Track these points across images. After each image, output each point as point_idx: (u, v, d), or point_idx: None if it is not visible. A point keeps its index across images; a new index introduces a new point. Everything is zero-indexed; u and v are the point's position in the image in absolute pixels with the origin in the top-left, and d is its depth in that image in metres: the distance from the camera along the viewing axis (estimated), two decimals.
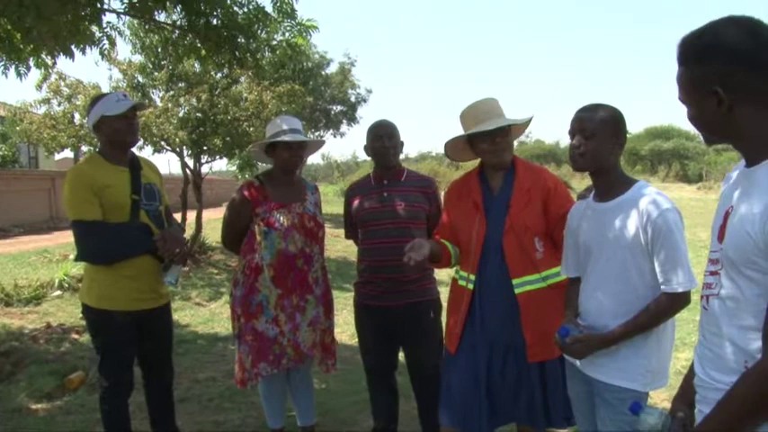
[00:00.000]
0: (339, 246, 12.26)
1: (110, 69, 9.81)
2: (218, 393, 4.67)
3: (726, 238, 1.50)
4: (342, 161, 50.95)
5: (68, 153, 16.54)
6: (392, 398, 3.71)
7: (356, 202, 3.52)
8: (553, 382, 2.75)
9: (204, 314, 7.51)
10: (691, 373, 1.71)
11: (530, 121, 2.96)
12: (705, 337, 1.61)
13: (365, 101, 24.70)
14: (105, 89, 9.77)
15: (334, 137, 25.43)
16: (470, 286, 2.83)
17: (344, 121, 24.59)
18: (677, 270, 2.13)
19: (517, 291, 2.74)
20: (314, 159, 52.42)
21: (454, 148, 3.02)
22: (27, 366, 5.11)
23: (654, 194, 2.23)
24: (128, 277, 3.00)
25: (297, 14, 5.64)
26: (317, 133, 23.68)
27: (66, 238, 12.80)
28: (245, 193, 3.40)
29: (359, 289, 3.59)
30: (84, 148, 10.47)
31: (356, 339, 3.83)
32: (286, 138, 3.32)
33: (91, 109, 3.12)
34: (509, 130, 2.83)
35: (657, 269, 2.18)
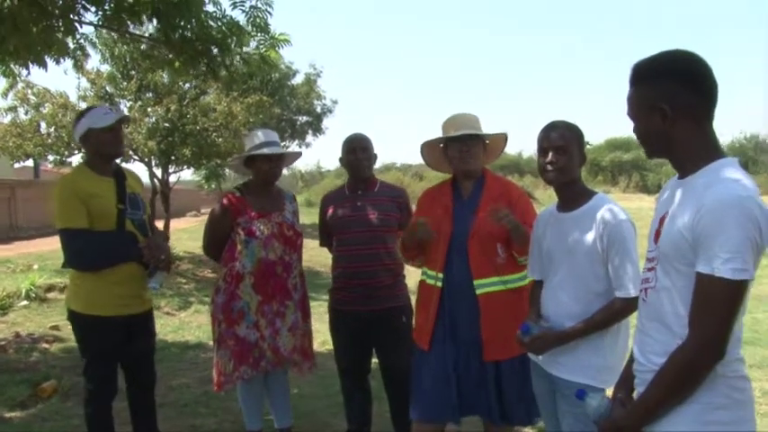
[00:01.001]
0: (305, 255, 12.36)
1: (78, 78, 9.82)
2: (192, 399, 4.76)
3: (661, 239, 1.73)
4: (306, 171, 50.84)
5: (29, 162, 16.32)
6: (366, 400, 3.85)
7: (330, 211, 3.68)
8: (509, 382, 2.90)
9: (174, 323, 7.55)
10: (631, 361, 1.91)
11: (503, 141, 3.17)
12: (644, 325, 1.82)
13: (331, 111, 24.86)
14: (73, 98, 9.78)
15: (300, 147, 25.53)
16: (439, 284, 3.00)
17: (310, 131, 24.70)
18: (629, 276, 2.32)
19: (478, 291, 2.91)
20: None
21: (430, 152, 3.20)
22: None
23: (611, 206, 2.43)
24: (114, 283, 3.09)
25: (270, 28, 5.80)
26: (283, 144, 23.70)
27: (28, 248, 12.65)
28: (226, 203, 3.53)
29: (333, 295, 3.74)
30: (51, 157, 10.41)
31: (327, 346, 3.96)
32: (266, 150, 3.47)
33: (78, 121, 3.22)
34: (479, 143, 3.02)
35: (611, 274, 2.37)
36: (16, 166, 17.53)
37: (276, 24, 5.94)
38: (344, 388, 3.86)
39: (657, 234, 1.78)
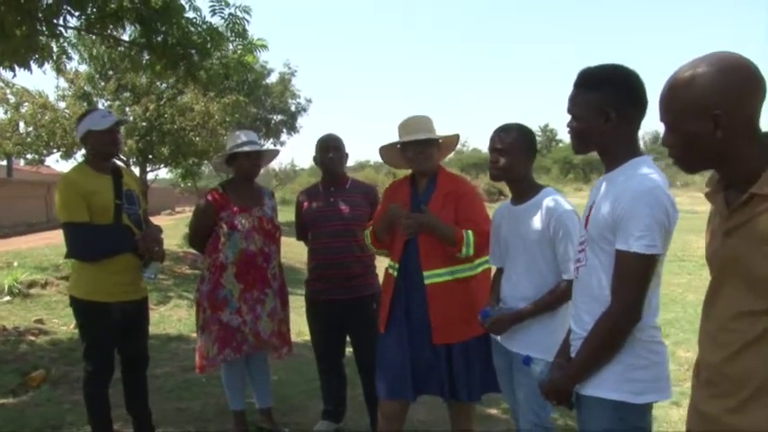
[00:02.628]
0: (282, 251, 12.60)
1: (56, 78, 9.97)
2: (176, 385, 5.04)
3: (589, 224, 2.09)
4: (280, 169, 50.94)
5: (3, 162, 16.33)
6: (340, 382, 4.17)
7: (306, 206, 3.99)
8: (459, 363, 3.16)
9: (155, 317, 7.74)
10: (569, 331, 2.25)
11: (456, 138, 3.48)
12: (577, 298, 2.17)
13: (305, 110, 25.07)
14: (51, 97, 9.93)
15: (275, 145, 25.67)
16: (395, 273, 3.28)
17: (284, 130, 24.88)
18: (573, 260, 2.63)
19: (426, 281, 3.16)
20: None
21: (389, 154, 3.50)
22: None
23: (555, 197, 2.76)
24: (112, 272, 3.37)
25: (248, 34, 6.09)
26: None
27: (4, 246, 12.70)
28: (210, 198, 3.82)
29: (309, 285, 4.05)
30: (29, 156, 10.55)
31: (304, 336, 4.25)
32: (246, 148, 3.77)
33: (79, 123, 3.51)
34: (433, 144, 3.28)
35: (558, 259, 2.69)
36: None
37: (252, 23, 6.19)
38: (321, 372, 4.17)
39: (587, 220, 2.13)
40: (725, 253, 1.51)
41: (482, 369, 3.15)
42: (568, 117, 2.19)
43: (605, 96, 2.05)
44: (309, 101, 25.15)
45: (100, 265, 3.36)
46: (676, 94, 1.51)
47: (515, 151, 2.76)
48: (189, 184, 15.41)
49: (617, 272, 1.97)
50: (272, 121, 24.33)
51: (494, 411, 4.44)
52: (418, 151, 3.25)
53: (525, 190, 2.83)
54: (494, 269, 3.11)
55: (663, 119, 1.58)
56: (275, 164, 51.17)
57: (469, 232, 3.10)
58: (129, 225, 3.46)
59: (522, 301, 2.74)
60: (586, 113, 2.10)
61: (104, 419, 3.52)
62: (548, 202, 2.71)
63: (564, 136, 41.79)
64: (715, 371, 1.54)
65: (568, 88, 2.18)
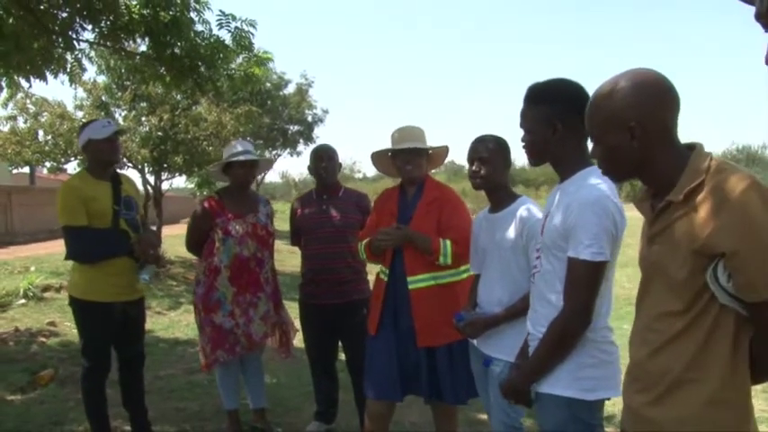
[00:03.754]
0: (291, 259, 12.75)
1: (75, 89, 10.23)
2: (178, 386, 5.19)
3: (544, 233, 2.19)
4: (299, 180, 51.30)
5: (25, 169, 16.69)
6: (332, 385, 4.29)
7: (299, 213, 4.14)
8: (442, 365, 3.28)
9: (165, 322, 7.98)
10: (527, 335, 2.36)
11: (445, 150, 3.60)
12: (533, 302, 2.28)
13: (322, 121, 25.31)
14: (70, 107, 10.23)
15: (291, 156, 25.98)
16: (385, 278, 3.42)
17: (301, 140, 25.12)
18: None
19: (410, 287, 3.29)
20: (272, 178, 52.59)
21: (380, 161, 3.65)
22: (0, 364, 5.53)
23: (529, 206, 2.85)
24: (109, 274, 3.54)
25: (254, 47, 6.27)
26: (273, 152, 24.15)
27: (24, 252, 13.03)
28: (206, 205, 3.98)
29: (302, 289, 4.19)
30: (48, 164, 10.85)
31: (301, 342, 4.38)
32: (241, 158, 3.93)
33: (81, 132, 3.70)
34: (422, 154, 3.42)
35: (531, 266, 2.81)
36: (14, 172, 17.96)
37: (268, 35, 6.40)
38: (314, 374, 4.31)
39: (543, 229, 2.24)
40: (650, 258, 1.62)
41: (467, 372, 3.23)
42: (521, 132, 2.31)
43: (552, 109, 2.17)
44: (326, 111, 25.42)
45: (98, 266, 3.52)
46: (597, 108, 1.64)
47: (494, 161, 2.86)
48: (206, 193, 15.65)
49: (568, 278, 2.07)
50: (289, 132, 24.59)
51: (483, 416, 4.52)
52: (407, 160, 3.39)
53: (502, 198, 2.92)
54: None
55: (588, 132, 1.69)
56: (295, 174, 51.48)
57: (447, 242, 3.22)
58: (127, 229, 3.63)
59: (496, 306, 2.82)
60: (536, 126, 2.22)
61: (101, 414, 3.68)
62: (522, 211, 2.80)
63: None
64: (639, 367, 1.65)
65: None
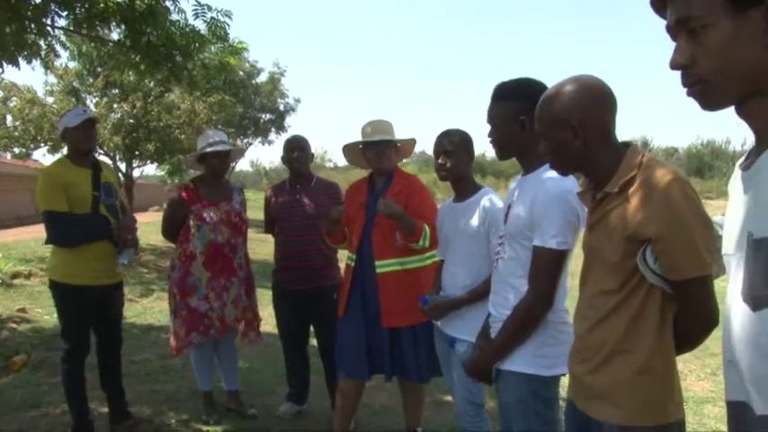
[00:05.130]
0: (266, 248, 12.85)
1: (45, 74, 10.19)
2: (153, 369, 5.30)
3: (508, 222, 2.37)
4: (270, 168, 51.02)
5: None
6: (303, 367, 4.46)
7: (273, 201, 4.29)
8: (406, 346, 3.48)
9: (137, 309, 8.04)
10: (488, 316, 2.54)
11: (413, 143, 3.77)
12: (496, 286, 2.46)
13: (294, 110, 25.28)
14: (40, 92, 10.16)
15: (263, 144, 25.88)
16: (353, 264, 3.61)
17: (273, 129, 25.07)
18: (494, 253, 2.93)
19: (378, 270, 3.49)
20: (243, 166, 52.19)
21: (351, 153, 3.82)
22: None
23: (491, 196, 3.03)
24: (88, 258, 3.65)
25: (229, 37, 6.35)
26: (245, 141, 24.09)
27: None
28: (182, 193, 4.10)
29: (275, 275, 4.34)
30: (16, 150, 10.77)
31: (275, 328, 4.53)
32: (218, 148, 4.05)
33: (60, 121, 3.80)
34: (390, 147, 3.60)
35: (492, 252, 2.99)
36: None
37: (241, 23, 6.50)
38: (286, 357, 4.46)
39: (506, 218, 2.42)
40: (590, 243, 1.81)
41: (430, 353, 3.42)
42: (488, 128, 2.47)
43: (519, 106, 2.33)
44: (298, 100, 25.38)
45: (77, 251, 3.64)
46: (545, 108, 1.82)
47: (459, 154, 3.02)
48: (176, 181, 15.64)
49: (534, 264, 2.25)
50: (261, 120, 24.54)
51: (447, 397, 4.72)
52: (377, 152, 3.56)
53: (466, 189, 3.09)
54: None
55: (538, 129, 1.87)
56: (265, 162, 51.19)
57: (426, 226, 3.40)
58: (106, 215, 3.74)
59: (459, 290, 2.99)
60: (503, 122, 2.39)
61: (80, 396, 3.79)
62: (484, 201, 2.97)
63: None
64: (580, 340, 1.84)
65: None
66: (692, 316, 1.65)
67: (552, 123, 1.80)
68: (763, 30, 1.08)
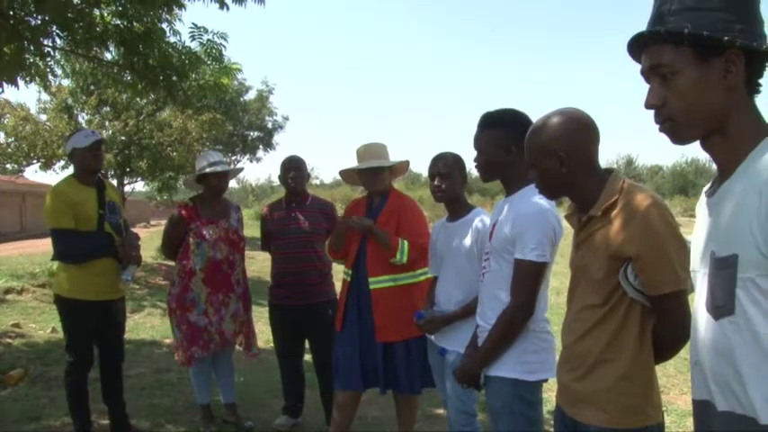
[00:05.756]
0: (258, 265, 12.94)
1: (39, 92, 10.29)
2: (149, 384, 5.39)
3: (493, 238, 2.55)
4: (257, 185, 51.13)
5: None
6: (299, 381, 4.57)
7: (269, 219, 4.44)
8: (399, 359, 3.61)
9: (129, 324, 7.98)
10: (476, 327, 2.70)
11: (406, 164, 3.93)
12: (482, 298, 2.63)
13: (282, 128, 25.47)
14: (33, 110, 10.26)
15: (251, 162, 26.04)
16: (349, 279, 3.75)
17: (261, 146, 25.23)
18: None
19: (371, 287, 3.63)
20: (230, 183, 52.19)
21: (348, 175, 4.00)
22: None
23: (483, 217, 3.19)
24: (93, 274, 3.78)
25: (224, 58, 6.54)
26: (233, 158, 24.22)
27: None
28: (182, 212, 4.24)
29: (272, 291, 4.47)
30: (9, 166, 10.84)
31: (271, 343, 4.65)
32: (218, 168, 4.21)
33: (66, 142, 3.95)
34: (384, 170, 3.74)
35: (480, 267, 3.14)
36: None
37: (232, 42, 6.68)
38: (282, 371, 4.57)
39: (491, 235, 2.60)
40: (577, 262, 1.98)
41: (422, 366, 3.57)
42: (474, 153, 2.67)
43: (507, 133, 2.53)
44: (286, 118, 25.62)
45: (83, 267, 3.77)
46: (533, 139, 2.00)
47: (453, 176, 3.19)
48: (165, 198, 15.72)
49: (515, 276, 2.44)
50: (249, 138, 24.69)
51: (440, 411, 4.85)
52: (370, 177, 3.74)
53: (459, 209, 3.26)
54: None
55: (527, 158, 2.05)
56: (252, 179, 51.23)
57: (405, 242, 3.56)
58: (111, 232, 3.87)
59: (453, 305, 3.14)
60: (492, 148, 2.59)
61: (83, 406, 3.90)
62: (477, 222, 3.13)
63: None
64: (568, 351, 2.00)
65: None
66: (669, 328, 1.82)
67: (540, 153, 1.97)
68: (723, 77, 1.27)
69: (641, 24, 1.43)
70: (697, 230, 1.41)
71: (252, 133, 24.66)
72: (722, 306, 1.24)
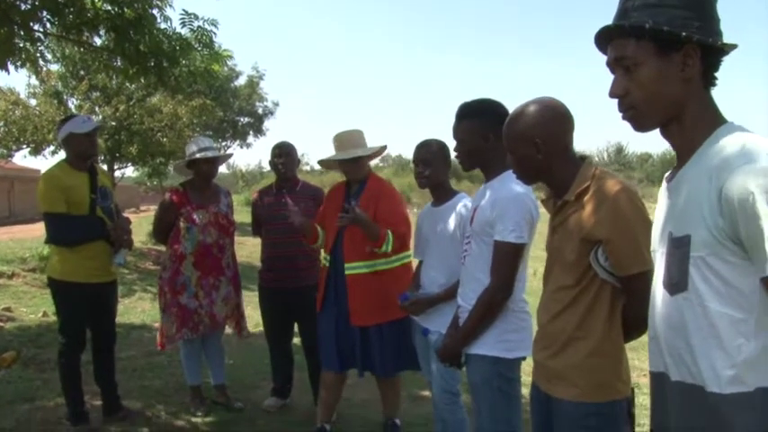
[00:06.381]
0: (248, 250, 13.00)
1: (28, 76, 10.29)
2: (139, 366, 5.49)
3: (474, 222, 2.65)
4: (247, 171, 51.04)
5: None
6: (287, 363, 4.67)
7: (260, 204, 4.52)
8: (374, 342, 3.71)
9: (120, 308, 8.04)
10: (457, 307, 2.80)
11: (381, 149, 3.97)
12: (464, 281, 2.72)
13: (272, 113, 25.44)
14: (22, 94, 10.25)
15: (241, 147, 26.03)
16: (327, 263, 3.84)
17: (251, 132, 25.20)
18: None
19: (346, 272, 3.71)
20: (220, 169, 52.15)
21: (327, 164, 4.09)
22: None
23: (466, 202, 3.29)
24: (86, 257, 3.86)
25: (214, 45, 6.56)
26: (223, 143, 24.18)
27: None
28: (173, 197, 4.32)
29: (261, 275, 4.56)
30: None
31: (260, 327, 4.74)
32: (208, 154, 4.28)
33: (60, 127, 4.01)
34: (362, 157, 3.81)
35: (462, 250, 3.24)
36: None
37: (223, 27, 6.69)
38: (271, 353, 4.68)
39: (472, 219, 2.69)
40: (552, 245, 2.08)
41: (395, 350, 3.70)
42: (454, 143, 2.76)
43: (484, 122, 2.62)
44: (276, 104, 25.59)
45: (75, 250, 3.84)
46: (511, 126, 2.09)
47: (436, 162, 3.28)
48: (155, 183, 15.76)
49: (495, 257, 2.54)
50: (239, 123, 24.65)
51: (425, 392, 4.96)
52: (350, 165, 3.80)
53: (443, 194, 3.35)
54: (415, 262, 3.65)
55: (505, 145, 2.14)
56: (242, 165, 51.16)
57: (390, 233, 3.62)
58: (102, 216, 3.95)
59: (436, 288, 3.24)
60: (470, 137, 2.68)
61: (76, 386, 4.00)
62: (460, 207, 3.23)
63: None
64: (543, 330, 2.10)
65: None
66: (637, 307, 1.92)
67: (517, 140, 2.07)
68: (681, 69, 1.37)
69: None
70: (657, 213, 1.52)
71: (242, 119, 24.63)
72: (677, 283, 1.35)
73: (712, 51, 1.40)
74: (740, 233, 1.24)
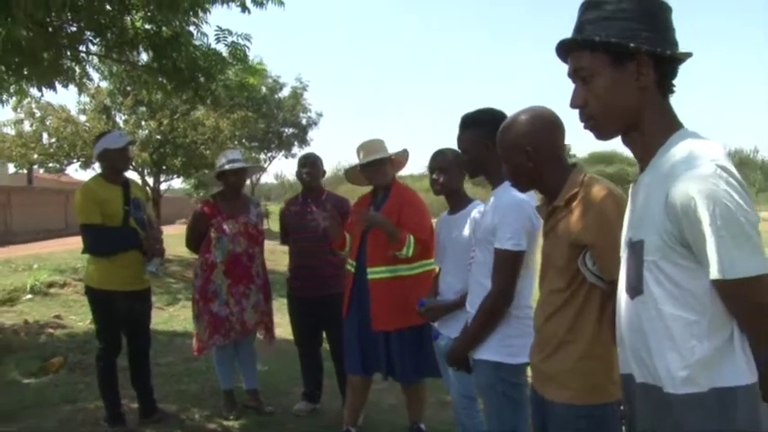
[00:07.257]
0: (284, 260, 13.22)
1: (78, 94, 10.72)
2: (178, 371, 5.68)
3: (478, 229, 2.69)
4: (294, 181, 51.66)
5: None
6: (317, 369, 4.79)
7: (287, 214, 4.67)
8: (396, 347, 3.78)
9: (164, 316, 8.45)
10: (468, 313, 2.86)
11: (405, 154, 4.07)
12: (471, 287, 2.78)
13: (316, 124, 25.74)
14: (73, 111, 10.70)
15: (286, 158, 26.39)
16: (352, 269, 3.94)
17: (296, 142, 25.55)
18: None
19: (369, 277, 3.80)
20: (267, 179, 52.98)
21: (353, 175, 4.21)
22: (13, 353, 6.01)
23: (480, 209, 3.34)
24: (120, 266, 4.06)
25: (248, 59, 6.77)
26: (269, 154, 24.58)
27: (24, 250, 13.44)
28: (204, 208, 4.50)
29: (289, 283, 4.70)
30: (51, 165, 11.32)
31: (291, 334, 4.87)
32: (235, 165, 4.44)
33: (96, 143, 4.24)
34: (385, 163, 3.90)
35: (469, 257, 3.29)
36: (10, 172, 18.28)
37: (264, 40, 6.89)
38: (300, 359, 4.80)
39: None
40: (545, 249, 2.14)
41: (414, 356, 3.76)
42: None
43: (485, 131, 2.67)
44: (320, 114, 25.84)
45: (110, 259, 4.05)
46: (503, 136, 2.16)
47: (451, 171, 3.33)
48: (201, 195, 16.16)
49: (495, 265, 2.59)
50: (284, 134, 25.04)
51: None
52: (371, 171, 3.90)
53: (458, 202, 3.41)
54: (436, 269, 3.71)
55: (499, 153, 2.21)
56: (289, 175, 51.79)
57: (412, 237, 3.70)
58: (135, 227, 4.15)
59: (453, 295, 3.28)
60: (473, 146, 2.75)
61: (113, 389, 4.20)
62: (474, 213, 3.28)
63: (576, 151, 42.04)
64: (538, 333, 2.16)
65: None
66: None
67: (510, 148, 2.13)
68: (636, 79, 1.42)
69: None
70: (624, 219, 1.57)
71: (287, 130, 25.02)
72: (635, 287, 1.40)
73: (666, 60, 1.45)
74: (687, 237, 1.28)
